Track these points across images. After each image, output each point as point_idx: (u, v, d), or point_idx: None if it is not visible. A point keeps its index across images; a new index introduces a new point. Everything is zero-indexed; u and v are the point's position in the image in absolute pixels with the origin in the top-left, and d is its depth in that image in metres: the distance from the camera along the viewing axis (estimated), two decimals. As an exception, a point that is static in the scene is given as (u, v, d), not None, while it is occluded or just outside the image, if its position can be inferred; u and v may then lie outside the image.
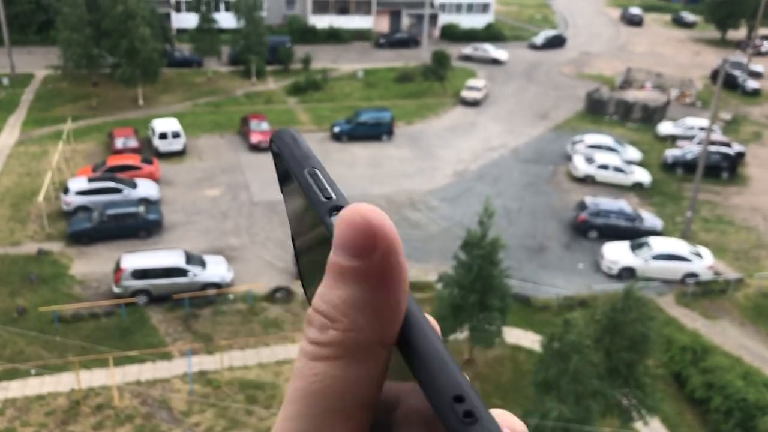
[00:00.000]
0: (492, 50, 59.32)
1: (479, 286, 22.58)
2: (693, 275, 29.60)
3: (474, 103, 48.38)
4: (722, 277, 30.10)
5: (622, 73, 55.47)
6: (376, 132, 41.64)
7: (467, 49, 59.52)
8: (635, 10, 79.76)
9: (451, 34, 65.87)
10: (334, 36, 62.71)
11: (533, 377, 19.51)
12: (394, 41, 62.78)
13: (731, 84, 52.75)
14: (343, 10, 64.98)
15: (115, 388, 22.37)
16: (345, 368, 0.50)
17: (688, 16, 79.23)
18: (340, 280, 0.51)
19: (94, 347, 23.68)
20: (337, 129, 41.56)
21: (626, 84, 54.67)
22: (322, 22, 63.54)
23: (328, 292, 0.52)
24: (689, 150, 40.43)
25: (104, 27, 41.86)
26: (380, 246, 0.49)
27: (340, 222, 0.51)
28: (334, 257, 0.51)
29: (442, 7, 67.73)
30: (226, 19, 53.58)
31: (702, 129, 42.58)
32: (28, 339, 24.11)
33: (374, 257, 0.49)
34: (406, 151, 40.67)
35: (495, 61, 58.59)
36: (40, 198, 31.12)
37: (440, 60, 48.90)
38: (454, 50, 59.66)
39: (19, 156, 37.49)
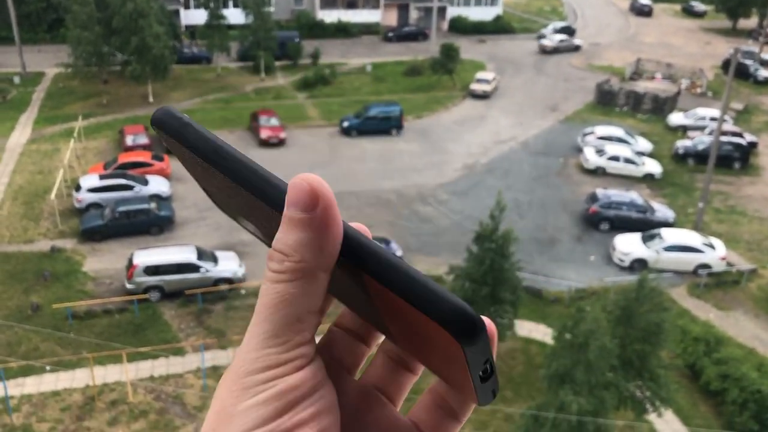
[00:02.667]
0: (574, 39, 61.48)
1: (490, 279, 22.57)
2: (705, 266, 29.45)
3: (483, 96, 48.24)
4: (735, 268, 29.94)
5: (632, 64, 55.15)
6: (386, 126, 41.61)
7: (551, 42, 59.91)
8: (645, 0, 79.18)
9: (460, 26, 65.67)
10: (342, 30, 62.67)
11: (545, 370, 19.49)
12: (402, 35, 62.66)
13: (743, 73, 52.37)
14: (351, 5, 64.89)
15: (129, 383, 22.52)
16: (298, 287, 0.70)
17: (699, 6, 78.60)
18: (292, 228, 0.70)
19: (108, 344, 23.84)
20: (346, 124, 41.55)
21: (636, 75, 54.37)
22: (330, 16, 63.49)
23: (283, 237, 0.71)
24: (700, 140, 40.17)
25: (114, 25, 41.98)
26: (320, 204, 0.69)
27: (290, 187, 0.70)
28: (288, 212, 0.70)
29: (450, -1, 67.56)
30: (234, 15, 53.63)
31: (713, 119, 42.30)
32: (42, 336, 24.30)
33: (316, 211, 0.69)
34: (416, 145, 40.62)
35: (577, 48, 60.60)
36: (53, 195, 31.31)
37: (449, 53, 48.76)
38: (532, 43, 60.67)
39: (31, 154, 37.72)
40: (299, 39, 55.14)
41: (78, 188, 31.81)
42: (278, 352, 0.70)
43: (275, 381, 0.69)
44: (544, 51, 59.77)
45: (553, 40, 60.61)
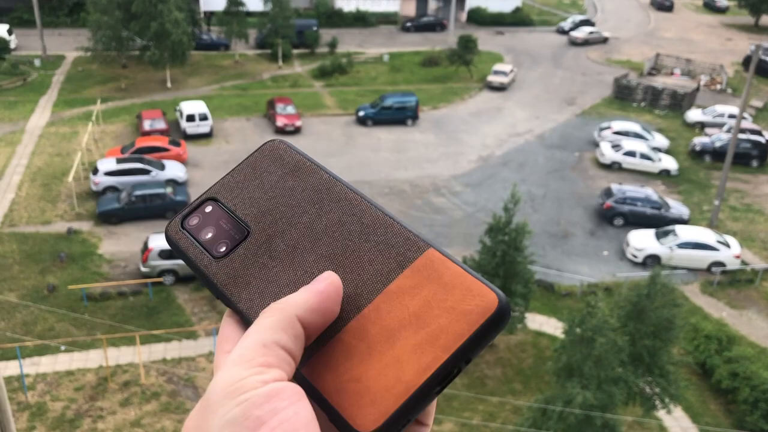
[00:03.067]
0: (602, 32, 62.51)
1: (502, 272, 22.61)
2: (719, 264, 29.30)
3: (500, 88, 48.08)
4: (749, 266, 29.76)
5: (650, 59, 54.70)
6: (401, 116, 41.60)
7: (581, 34, 60.60)
8: (666, -5, 78.33)
9: (478, 18, 65.36)
10: (360, 19, 62.57)
11: (554, 363, 19.53)
12: (420, 25, 62.47)
13: (763, 70, 51.76)
14: (370, -6, 64.74)
15: (142, 365, 22.80)
16: (270, 320, 0.81)
17: (721, 1, 77.67)
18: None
19: (122, 326, 24.14)
20: (362, 113, 41.57)
21: (655, 70, 53.94)
22: (348, 5, 63.39)
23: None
24: (718, 137, 39.84)
25: (133, 10, 42.20)
26: (327, 280, 0.87)
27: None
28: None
29: (470, -10, 67.18)
30: (253, 2, 53.70)
31: (732, 116, 41.93)
32: (57, 316, 24.64)
33: (320, 282, 0.87)
34: (431, 135, 40.60)
35: (605, 40, 61.42)
36: (70, 178, 31.63)
37: (467, 44, 48.60)
38: (551, 36, 61.54)
39: (50, 136, 38.09)
40: (317, 27, 55.14)
41: (95, 171, 32.10)
42: (240, 369, 0.76)
43: (240, 396, 0.74)
44: (575, 43, 60.05)
45: (583, 31, 60.86)
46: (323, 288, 0.85)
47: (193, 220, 1.03)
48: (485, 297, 0.79)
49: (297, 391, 0.75)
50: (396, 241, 0.90)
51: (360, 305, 0.85)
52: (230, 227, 1.00)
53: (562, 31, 63.39)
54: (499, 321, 0.79)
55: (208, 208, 1.04)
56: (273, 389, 0.74)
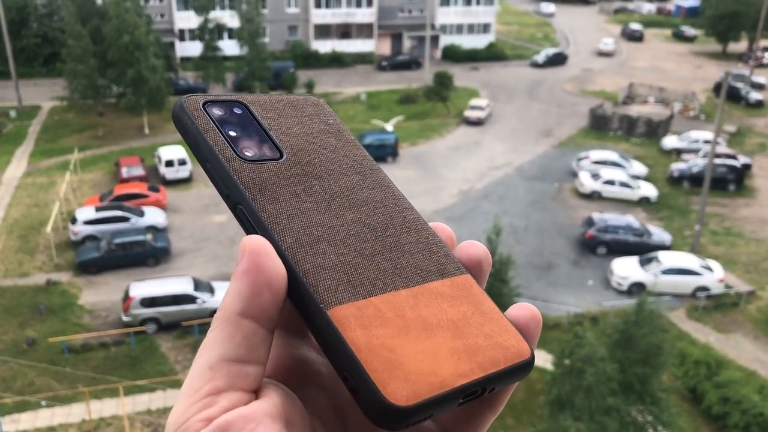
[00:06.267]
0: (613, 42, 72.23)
1: (489, 305, 22.45)
2: (704, 289, 29.39)
3: (477, 123, 48.52)
4: (733, 290, 29.89)
5: (624, 88, 55.64)
6: (381, 154, 41.77)
7: (608, 47, 70.72)
8: (635, 26, 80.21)
9: (453, 54, 66.30)
10: (336, 60, 63.22)
11: (545, 396, 19.33)
12: (396, 64, 63.20)
13: (734, 96, 52.84)
14: (345, 35, 65.55)
15: (126, 417, 22.25)
16: (215, 333, 0.70)
17: (689, 30, 79.59)
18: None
19: (104, 377, 23.61)
20: (342, 152, 41.63)
21: (629, 99, 54.81)
22: (324, 46, 64.08)
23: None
24: (695, 163, 40.37)
25: (110, 58, 42.29)
26: (245, 255, 0.70)
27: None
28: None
29: (443, 28, 68.23)
30: (229, 47, 54.11)
31: (707, 142, 42.56)
32: (38, 370, 24.06)
33: (242, 263, 0.69)
34: (411, 172, 40.75)
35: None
36: (48, 228, 31.23)
37: (442, 81, 49.17)
38: (525, 70, 60.72)
39: (27, 187, 37.72)
40: (294, 69, 55.58)
41: (74, 221, 31.74)
42: (186, 405, 0.67)
43: None
44: (606, 54, 69.92)
45: (609, 44, 70.64)
46: (246, 265, 0.69)
47: (217, 111, 0.85)
48: (520, 343, 0.81)
49: (252, 418, 0.65)
50: (437, 250, 0.86)
51: (397, 284, 0.78)
52: (260, 140, 0.84)
53: (536, 65, 64.35)
54: (525, 369, 0.80)
55: (238, 110, 0.87)
56: (218, 427, 0.64)
